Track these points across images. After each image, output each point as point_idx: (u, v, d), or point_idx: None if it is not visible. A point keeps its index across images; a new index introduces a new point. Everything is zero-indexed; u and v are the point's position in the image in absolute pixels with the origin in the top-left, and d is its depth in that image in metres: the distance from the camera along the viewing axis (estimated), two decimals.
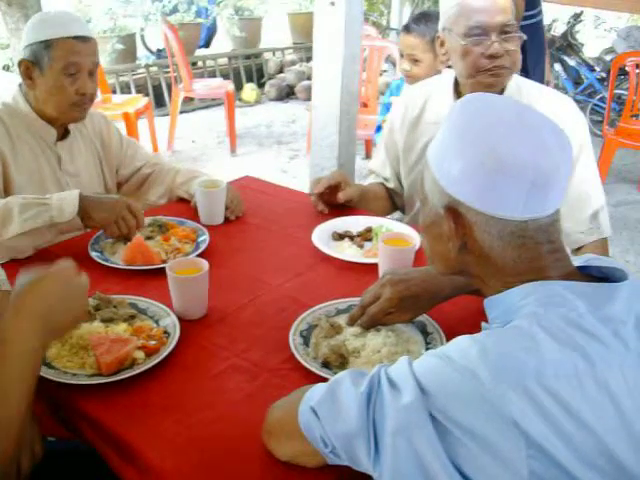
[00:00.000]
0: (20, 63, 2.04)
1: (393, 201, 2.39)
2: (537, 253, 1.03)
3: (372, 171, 2.43)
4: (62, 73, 2.00)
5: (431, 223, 1.11)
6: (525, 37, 1.92)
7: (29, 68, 2.03)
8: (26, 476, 1.27)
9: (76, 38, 2.00)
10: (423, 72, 2.71)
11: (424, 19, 2.75)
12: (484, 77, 1.93)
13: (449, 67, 2.05)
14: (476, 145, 1.02)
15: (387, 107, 3.09)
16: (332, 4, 2.64)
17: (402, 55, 2.80)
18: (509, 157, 0.99)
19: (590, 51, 8.23)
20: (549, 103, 1.94)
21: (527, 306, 1.00)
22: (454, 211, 1.05)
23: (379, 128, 3.16)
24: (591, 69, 7.25)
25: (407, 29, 2.73)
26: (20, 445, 1.13)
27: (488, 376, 0.90)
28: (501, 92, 1.99)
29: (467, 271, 1.12)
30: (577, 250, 2.04)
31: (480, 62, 1.91)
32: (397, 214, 2.52)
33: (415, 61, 2.71)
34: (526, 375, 0.89)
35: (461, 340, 0.98)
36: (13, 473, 1.23)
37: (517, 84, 2.03)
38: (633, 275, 1.05)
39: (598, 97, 6.87)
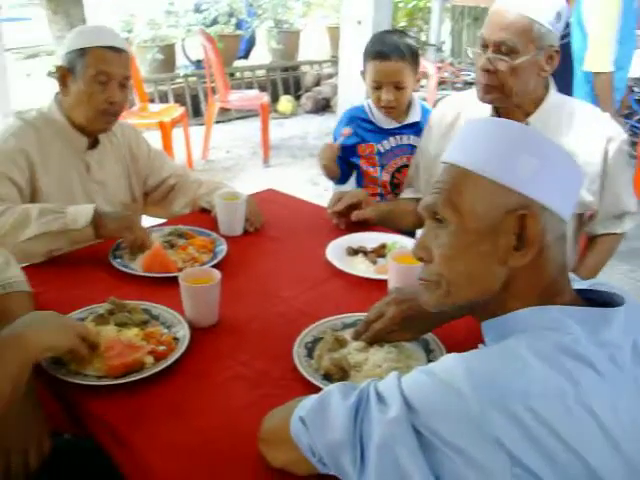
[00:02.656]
0: (57, 69, 2.13)
1: None
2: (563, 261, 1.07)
3: (409, 182, 2.47)
4: (93, 80, 2.08)
5: (471, 242, 1.06)
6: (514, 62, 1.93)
7: (65, 74, 2.12)
8: (34, 471, 1.33)
9: (109, 48, 2.09)
10: (406, 99, 2.52)
11: (397, 36, 2.49)
12: (479, 91, 2.03)
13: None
14: (547, 141, 1.06)
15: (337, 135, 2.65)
16: (359, 23, 2.66)
17: (376, 86, 2.46)
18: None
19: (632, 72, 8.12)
20: (588, 116, 2.07)
21: (522, 330, 1.02)
22: (522, 215, 1.03)
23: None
24: (630, 90, 7.17)
25: (383, 55, 2.41)
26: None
27: (472, 395, 0.91)
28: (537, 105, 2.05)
29: (495, 296, 1.09)
30: (591, 240, 2.23)
31: (478, 74, 2.00)
32: None
33: (399, 89, 2.45)
34: (510, 395, 0.91)
35: (449, 358, 1.00)
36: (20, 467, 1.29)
37: (561, 98, 2.10)
38: (633, 299, 1.07)
39: (636, 118, 6.79)
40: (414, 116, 2.55)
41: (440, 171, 1.14)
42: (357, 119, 2.57)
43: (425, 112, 2.59)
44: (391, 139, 2.55)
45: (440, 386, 0.95)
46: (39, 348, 1.28)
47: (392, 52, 2.39)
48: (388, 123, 2.53)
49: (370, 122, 2.57)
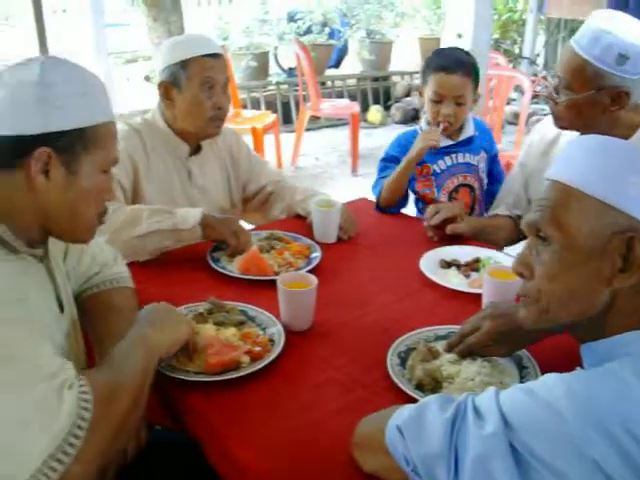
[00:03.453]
0: (159, 85, 2.20)
1: (519, 230, 2.39)
2: None
3: (503, 198, 2.45)
4: (199, 89, 2.15)
5: (574, 261, 1.05)
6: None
7: (168, 89, 2.18)
8: (131, 461, 1.39)
9: (209, 55, 2.16)
10: (464, 117, 2.49)
11: (461, 53, 2.48)
12: None
13: None
14: None
15: (389, 159, 2.61)
16: (459, 36, 2.66)
17: (437, 99, 2.42)
18: None
19: None
20: None
21: (626, 353, 1.01)
22: (630, 238, 1.01)
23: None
24: None
25: (448, 68, 2.38)
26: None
27: (573, 416, 0.91)
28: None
29: (597, 318, 1.07)
30: None
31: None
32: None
33: (459, 105, 2.42)
34: (611, 418, 0.90)
35: (549, 378, 1.00)
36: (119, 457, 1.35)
37: None
38: None
39: None
40: (467, 132, 2.53)
41: (542, 188, 1.14)
42: (411, 140, 2.51)
43: (478, 126, 2.58)
44: (446, 158, 2.52)
45: (540, 405, 0.95)
46: (160, 349, 1.35)
47: (458, 66, 2.39)
48: (442, 141, 2.48)
49: None
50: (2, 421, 1.05)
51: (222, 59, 2.22)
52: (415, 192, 2.60)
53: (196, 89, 2.15)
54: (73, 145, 1.24)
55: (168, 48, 2.20)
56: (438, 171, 2.53)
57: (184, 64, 2.14)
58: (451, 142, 2.52)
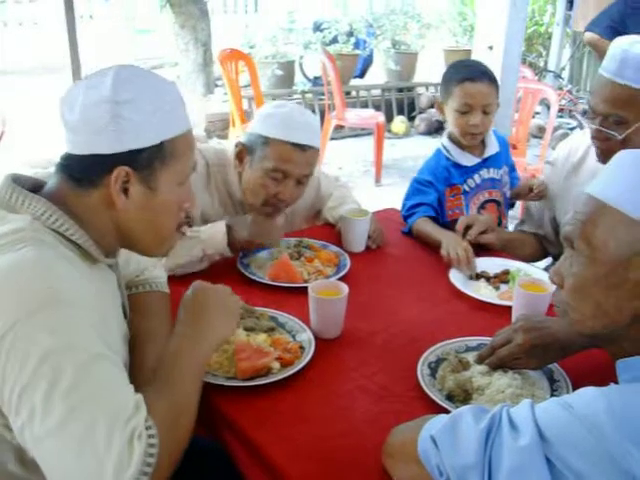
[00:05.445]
0: (237, 144, 2.08)
1: (544, 248, 2.39)
2: None
3: (529, 215, 2.43)
4: (267, 174, 2.00)
5: (600, 275, 1.07)
6: None
7: (242, 152, 2.06)
8: None
9: (294, 145, 1.97)
10: (490, 127, 2.45)
11: (479, 63, 2.48)
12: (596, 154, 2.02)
13: None
14: None
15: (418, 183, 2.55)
16: (490, 48, 2.67)
17: (465, 110, 2.36)
18: None
19: None
20: None
21: None
22: None
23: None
24: None
25: (473, 78, 2.34)
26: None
27: (613, 431, 0.91)
28: None
29: (629, 333, 1.08)
30: None
31: (592, 139, 2.01)
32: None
33: (486, 114, 2.37)
34: None
35: (587, 392, 0.99)
36: None
37: None
38: None
39: None
40: (492, 148, 2.50)
41: (569, 209, 1.15)
42: (439, 166, 2.50)
43: (499, 140, 2.56)
44: (475, 177, 2.49)
45: (577, 419, 0.95)
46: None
47: (482, 75, 2.37)
48: (469, 160, 2.46)
49: (452, 162, 2.49)
50: (83, 467, 1.02)
51: (310, 152, 2.01)
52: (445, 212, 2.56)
53: (264, 172, 2.01)
54: (152, 161, 1.21)
55: (264, 115, 2.05)
56: (468, 190, 2.49)
57: (266, 141, 1.99)
58: (478, 160, 2.48)
